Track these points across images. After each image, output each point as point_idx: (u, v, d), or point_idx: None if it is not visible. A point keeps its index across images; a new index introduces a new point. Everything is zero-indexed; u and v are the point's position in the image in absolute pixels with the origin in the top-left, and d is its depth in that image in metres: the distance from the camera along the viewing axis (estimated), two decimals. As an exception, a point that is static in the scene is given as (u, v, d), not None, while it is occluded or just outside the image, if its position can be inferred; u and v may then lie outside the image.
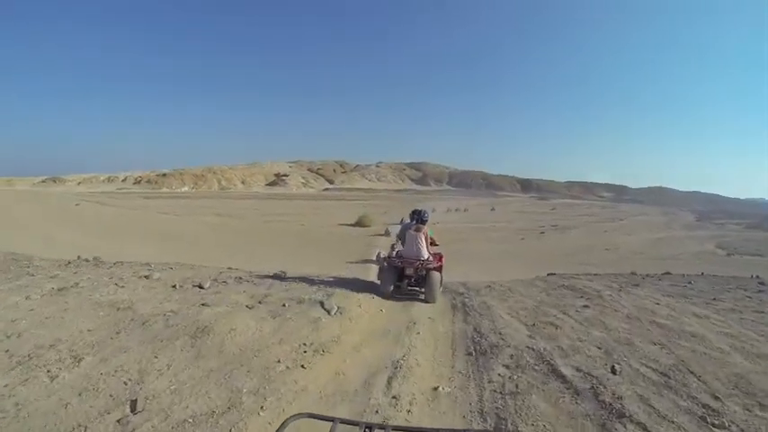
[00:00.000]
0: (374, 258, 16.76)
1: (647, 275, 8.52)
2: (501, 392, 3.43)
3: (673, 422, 2.89)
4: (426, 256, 6.84)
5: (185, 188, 59.57)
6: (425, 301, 6.61)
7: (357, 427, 1.18)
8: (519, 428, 2.91)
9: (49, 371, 3.21)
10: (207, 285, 6.33)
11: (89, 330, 4.03)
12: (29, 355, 3.34)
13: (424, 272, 6.72)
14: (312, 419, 1.24)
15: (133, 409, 2.92)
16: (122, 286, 5.69)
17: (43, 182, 47.03)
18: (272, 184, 75.86)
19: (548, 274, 9.95)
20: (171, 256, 11.02)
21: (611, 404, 3.07)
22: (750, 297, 7.36)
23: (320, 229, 27.98)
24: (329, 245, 21.72)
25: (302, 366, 3.73)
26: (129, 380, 3.26)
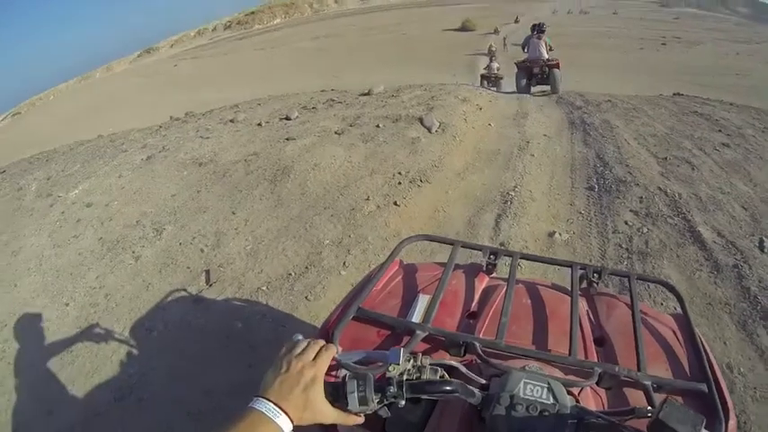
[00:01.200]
0: (486, 52, 14.80)
1: (798, 119, 5.93)
2: (627, 249, 2.80)
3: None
4: (546, 57, 8.53)
5: (277, 20, 56.97)
6: (552, 92, 8.18)
7: (480, 253, 1.08)
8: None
9: (133, 251, 2.99)
10: (294, 116, 5.65)
11: (172, 196, 3.73)
12: (117, 239, 3.14)
13: (547, 69, 8.35)
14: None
15: (207, 281, 2.53)
16: (207, 137, 5.30)
17: (139, 56, 48.71)
18: (366, -4, 67.91)
19: (673, 94, 8.12)
20: (266, 90, 10.57)
21: (756, 297, 2.27)
22: None
23: (424, 37, 24.95)
24: (435, 52, 19.25)
25: (395, 204, 2.93)
26: (206, 246, 2.87)
